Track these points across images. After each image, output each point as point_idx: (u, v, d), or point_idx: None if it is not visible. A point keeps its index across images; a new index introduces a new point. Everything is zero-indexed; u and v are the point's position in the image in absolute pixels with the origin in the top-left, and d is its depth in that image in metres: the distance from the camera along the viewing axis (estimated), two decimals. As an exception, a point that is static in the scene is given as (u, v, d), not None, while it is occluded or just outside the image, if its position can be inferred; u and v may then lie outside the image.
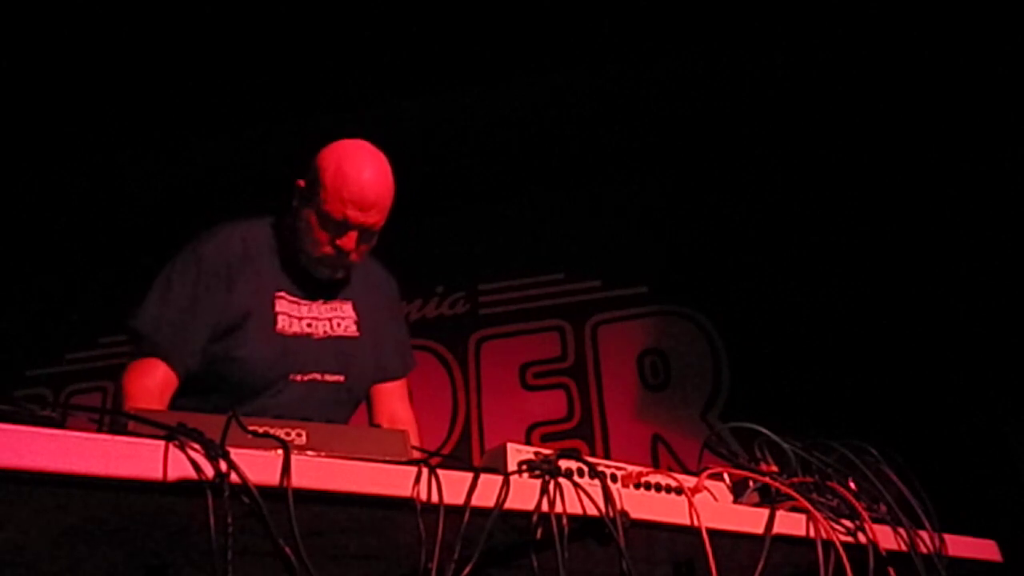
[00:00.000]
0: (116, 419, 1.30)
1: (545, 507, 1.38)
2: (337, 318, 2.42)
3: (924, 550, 1.85)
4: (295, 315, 2.34)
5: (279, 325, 2.30)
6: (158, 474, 1.08)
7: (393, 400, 2.58)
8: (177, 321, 2.21)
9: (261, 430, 1.30)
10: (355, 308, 2.47)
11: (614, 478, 1.57)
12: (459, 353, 5.04)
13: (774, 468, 1.84)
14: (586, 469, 1.50)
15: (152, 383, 2.18)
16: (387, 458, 1.35)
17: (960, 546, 2.02)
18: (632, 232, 5.03)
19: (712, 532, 1.54)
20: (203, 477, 1.09)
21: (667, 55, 4.86)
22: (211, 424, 1.19)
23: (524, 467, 1.46)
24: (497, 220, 5.20)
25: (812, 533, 1.67)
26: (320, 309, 2.40)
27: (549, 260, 5.09)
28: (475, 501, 1.31)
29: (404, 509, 1.26)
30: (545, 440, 4.71)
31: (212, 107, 4.99)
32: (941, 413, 4.08)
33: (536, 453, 1.51)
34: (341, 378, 2.38)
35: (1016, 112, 4.24)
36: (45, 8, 4.40)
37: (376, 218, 2.27)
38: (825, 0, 4.48)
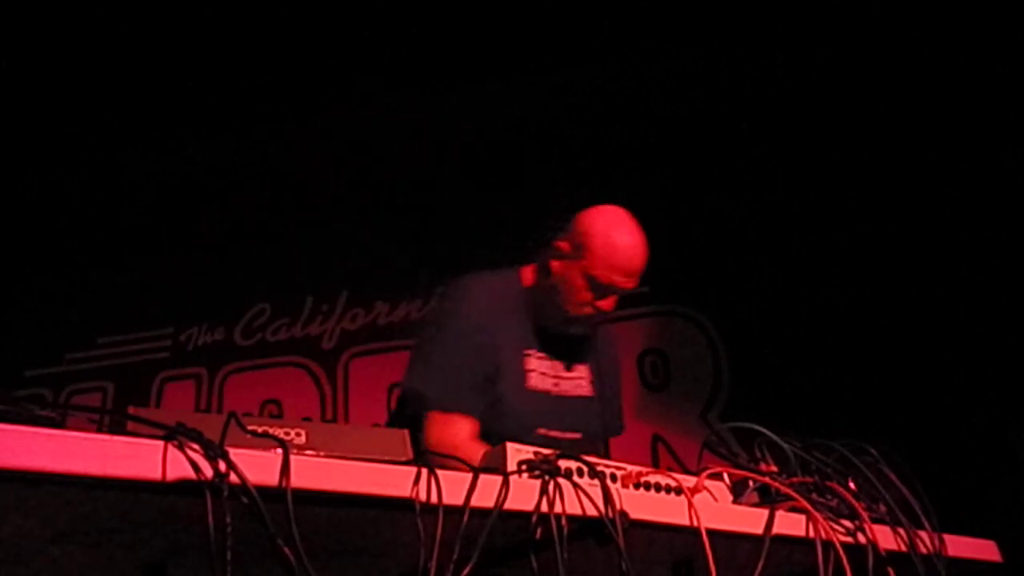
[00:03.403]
0: (116, 420, 1.30)
1: (544, 507, 1.37)
2: (576, 378, 2.53)
3: (924, 550, 1.85)
4: (542, 372, 2.45)
5: (530, 381, 2.41)
6: (157, 474, 1.08)
7: None
8: (461, 382, 2.32)
9: (260, 430, 1.29)
10: (590, 368, 2.57)
11: (613, 478, 1.57)
12: (459, 353, 5.04)
13: (774, 468, 1.84)
14: (585, 469, 1.50)
15: (461, 434, 2.25)
16: (387, 458, 1.35)
17: (960, 546, 2.02)
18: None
19: (711, 532, 1.54)
20: (202, 477, 1.08)
21: (667, 55, 4.86)
22: (210, 424, 1.19)
23: (524, 467, 1.46)
24: (497, 220, 5.20)
25: (812, 533, 1.67)
26: (561, 368, 2.49)
27: (549, 260, 5.08)
28: (474, 501, 1.31)
29: (403, 509, 1.26)
30: (545, 440, 4.70)
31: (212, 106, 4.99)
32: (941, 413, 4.08)
33: (536, 453, 1.51)
34: (578, 436, 2.47)
35: (1016, 112, 4.24)
36: (45, 8, 4.40)
37: (636, 283, 2.40)
38: (825, 0, 4.48)
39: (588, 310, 2.37)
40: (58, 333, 5.44)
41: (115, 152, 5.35)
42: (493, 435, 2.27)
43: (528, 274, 2.50)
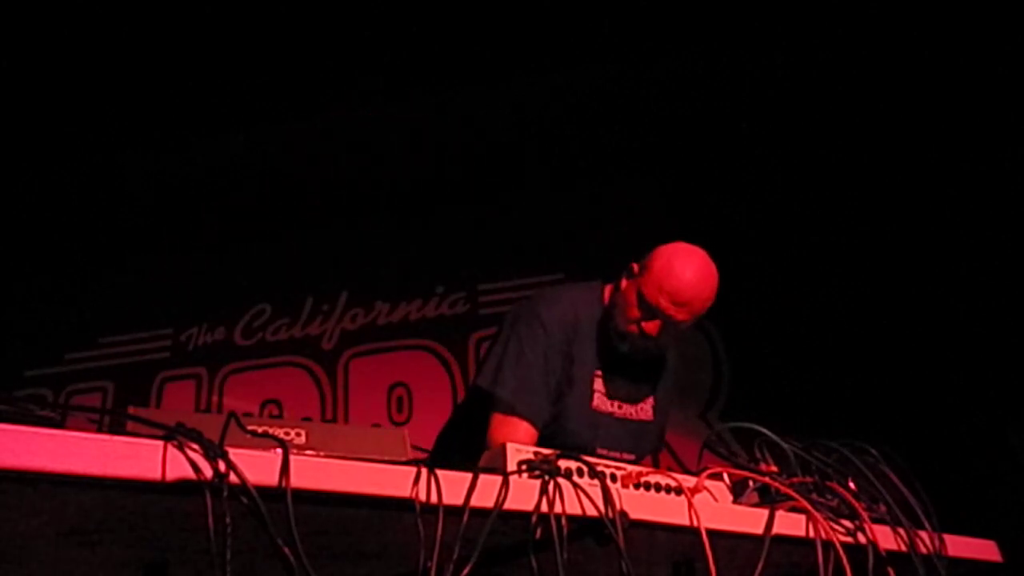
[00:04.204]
0: (116, 420, 1.30)
1: (544, 507, 1.37)
2: (640, 403, 2.57)
3: (924, 550, 1.85)
4: (606, 393, 2.49)
5: (595, 402, 2.47)
6: (157, 474, 1.08)
7: None
8: (533, 387, 2.37)
9: (260, 430, 1.29)
10: (655, 395, 2.61)
11: (613, 478, 1.57)
12: (459, 353, 5.04)
13: (774, 468, 1.84)
14: (585, 469, 1.50)
15: (520, 440, 2.26)
16: (386, 458, 1.35)
17: (960, 546, 2.02)
18: (632, 232, 5.02)
19: (711, 532, 1.54)
20: (202, 477, 1.08)
21: (667, 55, 4.86)
22: (210, 424, 1.19)
23: (524, 467, 1.46)
24: (497, 220, 5.20)
25: (812, 533, 1.67)
26: (628, 391, 2.53)
27: (549, 260, 5.08)
28: (474, 501, 1.31)
29: (403, 509, 1.26)
30: (545, 440, 4.70)
31: (212, 106, 5.00)
32: (941, 413, 4.08)
33: (536, 453, 1.51)
34: (633, 456, 2.52)
35: (1016, 112, 4.24)
36: (45, 8, 4.40)
37: (684, 317, 2.38)
38: (825, 0, 4.48)
39: (633, 328, 2.39)
40: (58, 333, 5.45)
41: (115, 152, 5.36)
42: (552, 447, 2.31)
43: (608, 292, 2.55)
